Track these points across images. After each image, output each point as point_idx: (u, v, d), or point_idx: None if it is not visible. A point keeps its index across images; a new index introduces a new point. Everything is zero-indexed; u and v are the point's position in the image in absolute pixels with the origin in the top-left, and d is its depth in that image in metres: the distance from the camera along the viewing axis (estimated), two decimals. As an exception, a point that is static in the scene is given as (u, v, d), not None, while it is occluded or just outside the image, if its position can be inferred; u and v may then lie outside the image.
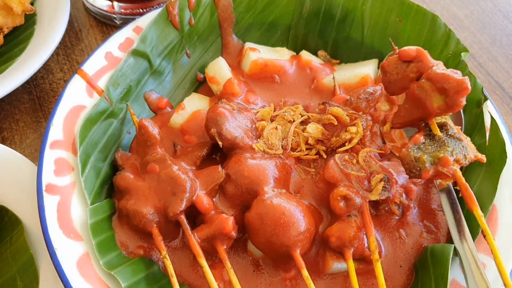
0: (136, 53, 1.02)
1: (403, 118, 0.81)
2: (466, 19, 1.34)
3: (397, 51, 0.85)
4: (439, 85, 0.75)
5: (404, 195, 0.90)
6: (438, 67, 0.78)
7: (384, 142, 0.99)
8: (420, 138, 0.78)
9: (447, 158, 0.74)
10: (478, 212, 0.72)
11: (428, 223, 0.90)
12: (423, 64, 0.80)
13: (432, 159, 0.75)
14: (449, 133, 0.80)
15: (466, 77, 0.75)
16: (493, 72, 1.23)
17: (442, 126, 0.80)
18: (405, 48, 0.82)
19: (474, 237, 0.83)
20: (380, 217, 0.90)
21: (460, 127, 0.84)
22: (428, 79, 0.77)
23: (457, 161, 0.75)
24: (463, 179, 0.74)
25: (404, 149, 0.77)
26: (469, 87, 0.75)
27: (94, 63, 0.99)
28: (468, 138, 0.82)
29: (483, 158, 0.79)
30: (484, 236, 0.73)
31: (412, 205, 0.91)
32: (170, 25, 1.06)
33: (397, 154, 0.96)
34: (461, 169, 0.94)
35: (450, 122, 0.82)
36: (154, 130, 0.91)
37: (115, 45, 1.03)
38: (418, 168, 0.75)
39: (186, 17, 1.07)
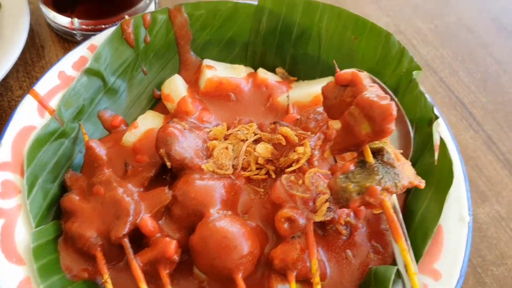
0: (90, 71, 1.02)
1: (340, 145, 0.79)
2: (429, 33, 1.34)
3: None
4: (365, 111, 0.72)
5: (352, 215, 0.90)
6: (369, 91, 0.75)
7: (336, 161, 0.99)
8: (350, 166, 0.76)
9: (373, 187, 0.72)
10: (403, 245, 0.70)
11: (376, 244, 0.90)
12: (357, 88, 0.77)
13: (359, 188, 0.73)
14: (384, 159, 0.77)
15: (392, 102, 0.72)
16: (454, 87, 1.24)
17: (378, 151, 0.78)
18: (342, 71, 0.80)
19: (417, 258, 0.83)
20: (327, 237, 0.89)
21: (401, 150, 0.82)
22: (356, 105, 0.74)
23: (386, 189, 0.73)
24: (391, 210, 0.72)
25: (332, 179, 0.76)
26: (394, 113, 0.71)
27: (47, 83, 0.99)
28: (408, 163, 0.80)
29: (420, 184, 0.77)
30: (406, 271, 0.72)
31: (360, 225, 0.91)
32: (125, 43, 1.06)
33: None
34: (408, 191, 0.95)
35: (387, 147, 0.80)
36: (101, 151, 0.91)
37: (69, 64, 1.03)
38: (346, 198, 0.73)
39: (142, 35, 1.07)
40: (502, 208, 1.05)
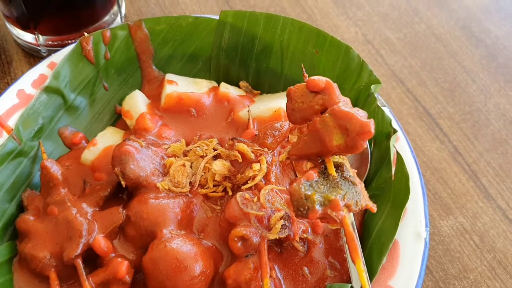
0: (49, 89, 1.02)
1: (301, 150, 0.77)
2: (398, 43, 1.33)
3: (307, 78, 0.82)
4: (342, 123, 0.71)
5: (310, 230, 0.90)
6: (344, 103, 0.74)
7: (296, 176, 0.98)
8: (314, 174, 0.74)
9: (337, 201, 0.70)
10: (360, 266, 0.68)
11: (333, 260, 0.89)
12: (330, 98, 0.75)
13: (323, 200, 0.71)
14: (344, 175, 0.76)
15: (372, 120, 0.71)
16: (421, 97, 1.23)
17: (338, 167, 0.77)
18: (315, 77, 0.78)
19: (372, 275, 0.82)
20: (284, 254, 0.89)
21: (355, 170, 0.82)
22: (332, 114, 0.72)
23: (347, 206, 0.72)
24: (351, 227, 0.71)
25: (295, 184, 0.72)
26: (372, 131, 0.71)
27: (5, 102, 0.99)
28: (362, 184, 0.80)
29: (373, 207, 0.77)
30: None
31: (318, 241, 0.90)
32: (85, 60, 1.06)
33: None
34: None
35: (347, 164, 0.79)
36: (56, 170, 0.91)
37: (28, 82, 1.02)
38: (307, 207, 0.70)
39: (102, 51, 1.07)
40: (466, 221, 1.05)
